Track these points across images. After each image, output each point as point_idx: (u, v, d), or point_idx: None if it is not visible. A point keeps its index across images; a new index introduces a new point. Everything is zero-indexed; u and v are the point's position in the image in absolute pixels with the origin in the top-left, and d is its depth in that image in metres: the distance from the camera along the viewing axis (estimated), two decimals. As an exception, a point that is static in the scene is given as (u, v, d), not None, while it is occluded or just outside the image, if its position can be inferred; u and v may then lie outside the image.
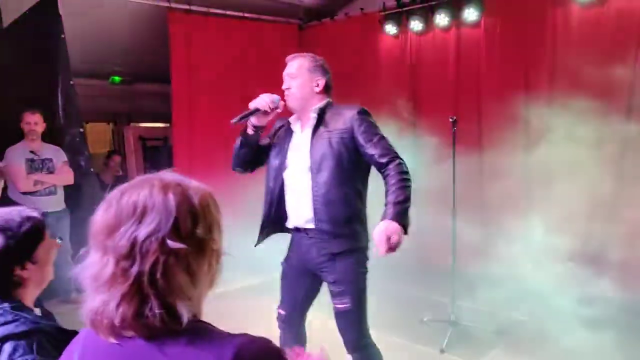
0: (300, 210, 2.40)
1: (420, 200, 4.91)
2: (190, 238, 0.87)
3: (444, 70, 5.33)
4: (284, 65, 2.51)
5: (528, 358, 3.45)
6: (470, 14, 5.03)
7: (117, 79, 7.09)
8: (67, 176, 4.37)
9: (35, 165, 4.23)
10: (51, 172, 4.29)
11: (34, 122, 4.22)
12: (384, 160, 2.23)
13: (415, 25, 5.40)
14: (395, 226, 2.06)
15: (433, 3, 5.26)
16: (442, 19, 5.22)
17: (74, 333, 1.05)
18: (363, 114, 2.35)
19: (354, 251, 2.36)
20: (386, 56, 5.75)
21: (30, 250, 1.46)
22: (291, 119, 2.51)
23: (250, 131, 2.46)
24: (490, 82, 5.01)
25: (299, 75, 2.40)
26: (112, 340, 0.87)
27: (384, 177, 2.24)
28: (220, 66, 5.85)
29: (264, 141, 2.56)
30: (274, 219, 2.53)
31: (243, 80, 5.90)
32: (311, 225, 2.37)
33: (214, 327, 0.90)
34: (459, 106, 5.19)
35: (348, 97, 5.65)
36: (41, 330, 1.37)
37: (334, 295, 2.38)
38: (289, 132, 2.50)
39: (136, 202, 0.87)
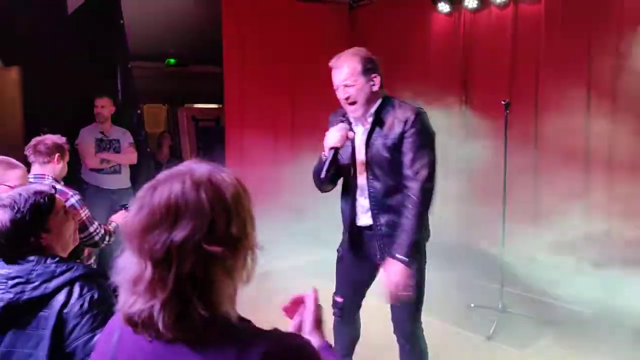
0: (365, 213, 2.37)
1: (471, 185, 4.88)
2: (226, 238, 0.87)
3: (499, 50, 5.11)
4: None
5: (577, 351, 3.32)
6: (530, -10, 4.81)
7: (172, 61, 7.30)
8: (130, 156, 4.66)
9: (104, 145, 4.54)
10: (117, 152, 4.58)
11: (101, 105, 4.51)
12: (411, 178, 2.20)
13: (470, 2, 5.22)
14: (398, 268, 2.16)
15: (490, -22, 5.04)
16: (499, -4, 5.01)
17: None
18: (419, 119, 2.21)
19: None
20: (438, 36, 5.59)
21: (40, 220, 1.60)
22: (352, 120, 2.35)
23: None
24: (551, 63, 4.77)
25: (355, 82, 2.22)
26: (149, 338, 0.88)
27: (406, 191, 2.22)
28: (271, 48, 5.89)
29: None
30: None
31: (293, 62, 5.94)
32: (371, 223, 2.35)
33: (245, 325, 0.91)
34: (513, 89, 4.99)
35: (398, 79, 5.60)
36: (95, 274, 1.59)
37: None
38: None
39: (169, 202, 0.86)
